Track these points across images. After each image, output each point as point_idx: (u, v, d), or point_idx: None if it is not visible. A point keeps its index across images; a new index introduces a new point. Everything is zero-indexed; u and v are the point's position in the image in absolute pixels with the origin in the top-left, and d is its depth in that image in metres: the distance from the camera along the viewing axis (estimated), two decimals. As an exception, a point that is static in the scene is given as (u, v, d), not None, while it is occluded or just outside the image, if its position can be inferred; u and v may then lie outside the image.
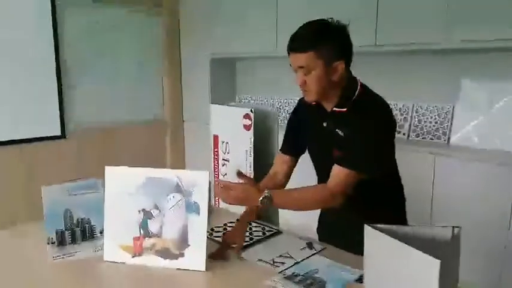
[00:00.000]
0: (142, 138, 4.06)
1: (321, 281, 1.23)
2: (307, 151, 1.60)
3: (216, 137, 2.30)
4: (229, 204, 1.39)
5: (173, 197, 1.36)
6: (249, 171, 2.05)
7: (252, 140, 2.03)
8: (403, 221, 1.49)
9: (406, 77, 2.88)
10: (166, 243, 1.37)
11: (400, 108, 2.91)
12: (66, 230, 1.41)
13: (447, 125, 2.69)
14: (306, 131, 1.53)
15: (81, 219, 1.43)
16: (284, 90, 3.71)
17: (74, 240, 1.43)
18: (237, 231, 1.46)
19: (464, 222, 2.30)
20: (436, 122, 2.74)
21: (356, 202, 1.37)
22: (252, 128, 2.02)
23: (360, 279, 1.24)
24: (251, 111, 2.01)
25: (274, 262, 1.37)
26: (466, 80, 2.65)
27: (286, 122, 1.70)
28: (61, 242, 1.41)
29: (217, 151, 2.31)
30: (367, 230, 0.78)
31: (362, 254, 1.38)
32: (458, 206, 2.37)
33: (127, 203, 1.39)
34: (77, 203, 1.42)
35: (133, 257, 1.39)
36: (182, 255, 1.36)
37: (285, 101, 3.74)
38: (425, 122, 2.79)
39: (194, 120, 4.21)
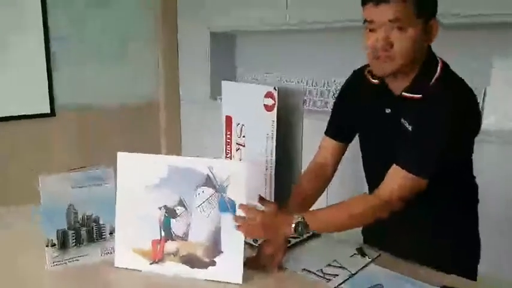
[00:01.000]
0: (136, 120, 3.74)
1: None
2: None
3: (228, 119, 2.03)
4: (253, 238, 1.12)
5: (203, 191, 1.11)
6: (270, 159, 1.81)
7: (275, 122, 1.78)
8: (474, 226, 1.26)
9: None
10: (194, 249, 1.12)
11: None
12: (69, 229, 1.15)
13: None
14: (361, 114, 1.24)
15: (88, 216, 1.17)
16: (295, 70, 3.43)
17: (78, 242, 1.17)
18: (276, 242, 1.15)
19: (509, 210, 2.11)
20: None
21: (417, 203, 1.11)
22: (276, 108, 1.78)
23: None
24: (274, 89, 1.76)
25: (324, 274, 1.14)
26: (498, 58, 2.42)
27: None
28: (63, 244, 1.15)
29: (230, 134, 2.05)
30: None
31: (422, 264, 1.17)
32: (501, 191, 2.15)
33: (145, 197, 1.14)
34: (82, 197, 1.16)
35: (151, 263, 1.15)
36: (213, 263, 1.11)
37: (298, 82, 3.46)
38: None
39: (192, 102, 3.91)
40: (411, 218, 1.15)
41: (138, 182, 1.14)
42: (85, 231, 1.17)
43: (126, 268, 1.15)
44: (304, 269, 1.16)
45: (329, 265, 1.18)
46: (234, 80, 3.96)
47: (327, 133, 1.35)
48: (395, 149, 1.10)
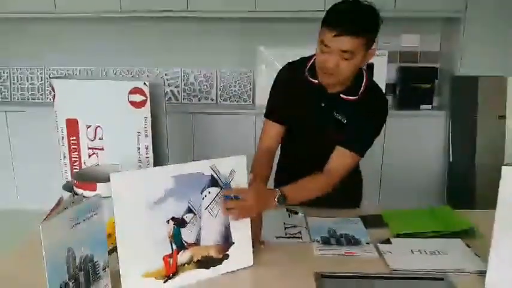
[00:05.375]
0: None
1: (351, 237, 1.36)
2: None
3: (72, 122, 1.83)
4: (242, 218, 1.17)
5: (209, 192, 1.12)
6: (146, 157, 1.81)
7: (149, 118, 1.78)
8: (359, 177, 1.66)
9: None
10: (207, 251, 1.13)
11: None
12: (69, 280, 0.92)
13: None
14: (300, 104, 1.43)
15: (84, 257, 0.96)
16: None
17: (77, 292, 0.95)
18: (258, 218, 1.25)
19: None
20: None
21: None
22: (148, 104, 1.77)
23: (373, 225, 1.44)
24: (145, 84, 1.75)
25: (293, 235, 1.37)
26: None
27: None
28: (66, 300, 0.91)
29: (75, 139, 1.86)
30: (506, 171, 0.98)
31: (326, 207, 1.48)
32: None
33: (149, 215, 1.04)
34: (79, 237, 0.93)
35: (166, 281, 1.08)
36: (227, 256, 1.16)
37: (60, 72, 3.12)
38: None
39: None
40: None
41: (139, 201, 1.03)
42: (83, 276, 0.96)
43: (138, 298, 1.04)
44: (277, 237, 1.36)
45: (285, 228, 1.42)
46: None
47: (269, 117, 1.49)
48: (329, 135, 1.39)
